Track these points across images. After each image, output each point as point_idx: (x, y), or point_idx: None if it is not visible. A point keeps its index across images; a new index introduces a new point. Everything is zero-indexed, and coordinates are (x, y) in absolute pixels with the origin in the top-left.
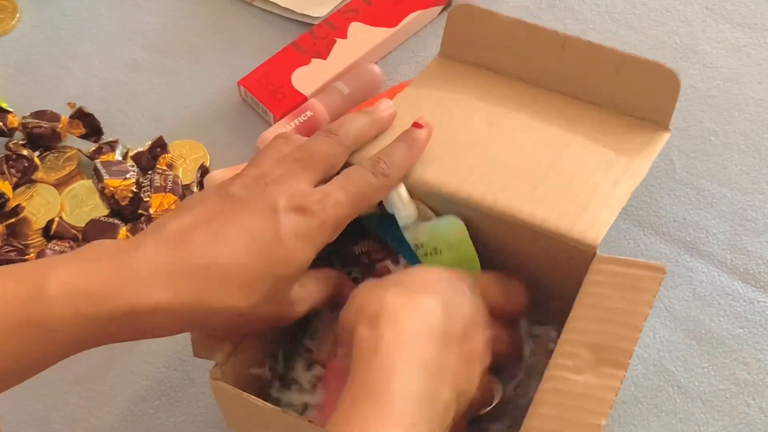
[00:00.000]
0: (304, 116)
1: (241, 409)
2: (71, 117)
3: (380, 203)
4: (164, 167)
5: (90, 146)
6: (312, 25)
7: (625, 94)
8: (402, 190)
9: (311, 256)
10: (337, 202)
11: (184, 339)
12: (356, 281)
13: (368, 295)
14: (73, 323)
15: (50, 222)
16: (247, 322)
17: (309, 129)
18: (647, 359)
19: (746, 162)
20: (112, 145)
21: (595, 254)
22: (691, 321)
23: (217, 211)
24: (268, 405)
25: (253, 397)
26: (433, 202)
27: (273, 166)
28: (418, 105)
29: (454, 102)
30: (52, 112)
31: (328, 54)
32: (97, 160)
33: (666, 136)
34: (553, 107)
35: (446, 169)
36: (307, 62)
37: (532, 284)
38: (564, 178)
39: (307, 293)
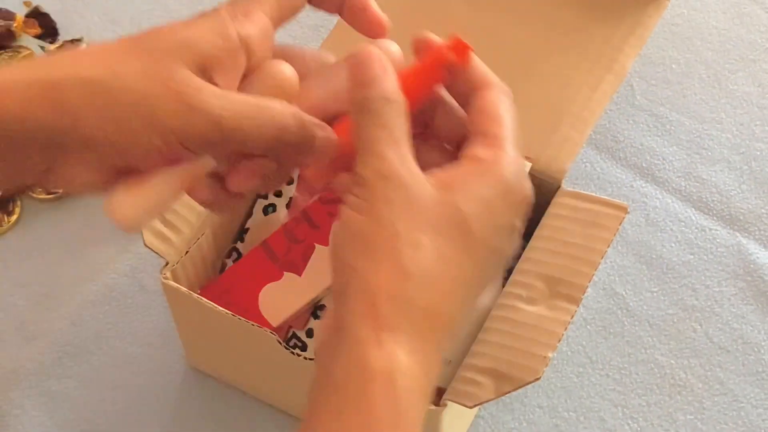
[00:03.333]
0: None
1: (192, 312)
2: (27, 16)
3: None
4: None
5: (47, 47)
6: None
7: None
8: None
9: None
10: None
11: (137, 247)
12: None
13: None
14: None
15: None
16: (124, 129)
17: None
18: (597, 282)
19: (706, 91)
20: (76, 45)
21: (559, 187)
22: (643, 246)
23: None
24: (219, 307)
25: (204, 298)
26: None
27: None
28: None
29: None
30: (7, 10)
31: (304, 267)
32: None
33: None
34: None
35: None
36: (278, 276)
37: None
38: (538, 88)
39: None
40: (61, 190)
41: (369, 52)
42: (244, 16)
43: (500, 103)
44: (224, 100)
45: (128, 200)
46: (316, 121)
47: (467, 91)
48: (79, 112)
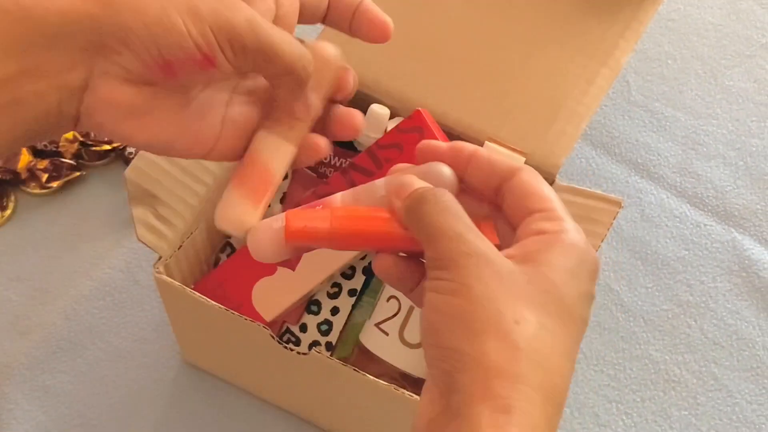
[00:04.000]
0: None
1: (185, 307)
2: None
3: None
4: None
5: None
6: None
7: None
8: None
9: None
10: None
11: (131, 242)
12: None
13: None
14: None
15: None
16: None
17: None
18: None
19: (702, 87)
20: None
21: (554, 181)
22: (638, 242)
23: None
24: (212, 302)
25: (197, 293)
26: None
27: None
28: None
29: None
30: None
31: (297, 263)
32: None
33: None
34: None
35: (411, 75)
36: (271, 271)
37: None
38: (533, 82)
39: None
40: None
41: (403, 176)
42: None
43: (538, 181)
44: (256, 14)
45: (249, 212)
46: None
47: (498, 182)
48: (124, 7)
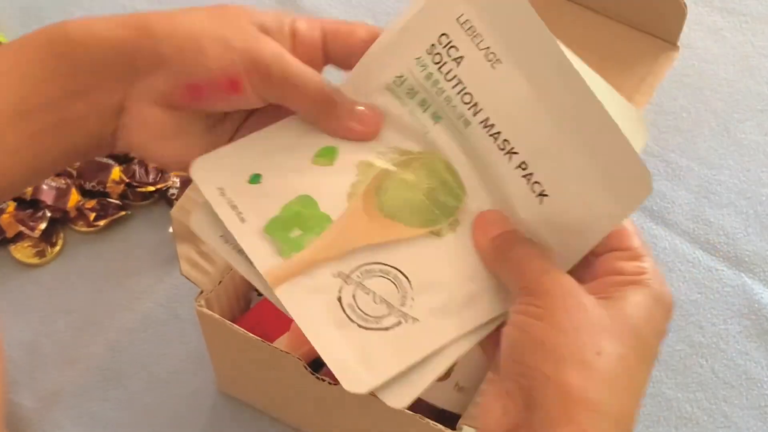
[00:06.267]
0: None
1: (225, 340)
2: None
3: None
4: None
5: None
6: None
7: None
8: None
9: None
10: None
11: (172, 278)
12: None
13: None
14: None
15: None
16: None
17: None
18: None
19: (715, 139)
20: None
21: None
22: None
23: None
24: (250, 334)
25: (237, 326)
26: None
27: None
28: None
29: None
30: None
31: None
32: None
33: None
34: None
35: None
36: None
37: None
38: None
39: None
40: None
41: (491, 211)
42: (301, 17)
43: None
44: (283, 49)
45: None
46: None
47: None
48: (160, 35)
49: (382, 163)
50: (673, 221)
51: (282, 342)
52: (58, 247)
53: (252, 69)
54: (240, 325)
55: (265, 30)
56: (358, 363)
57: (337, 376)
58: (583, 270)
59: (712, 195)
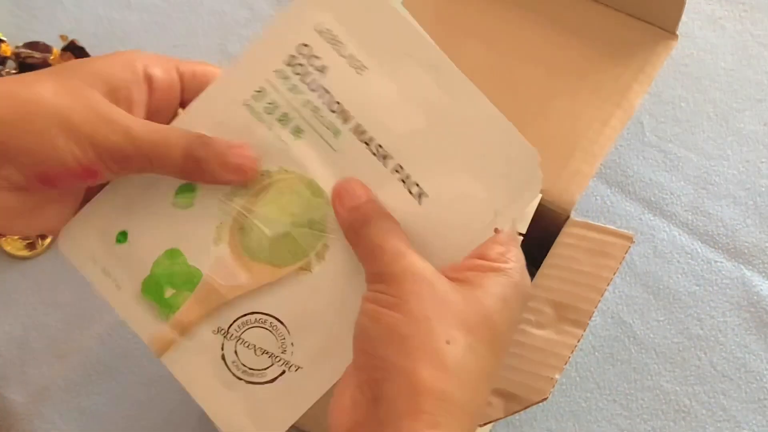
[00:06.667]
0: None
1: None
2: (63, 49)
3: None
4: None
5: None
6: None
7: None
8: None
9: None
10: None
11: None
12: None
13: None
14: None
15: None
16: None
17: None
18: (606, 311)
19: (713, 129)
20: None
21: (568, 217)
22: (650, 277)
23: None
24: None
25: None
26: None
27: None
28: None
29: (454, 18)
30: (44, 43)
31: None
32: None
33: (672, 45)
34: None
35: None
36: None
37: None
38: (550, 123)
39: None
40: None
41: (350, 180)
42: (155, 59)
43: None
44: (133, 118)
45: None
46: (224, 140)
47: None
48: (4, 125)
49: (240, 195)
50: (671, 212)
51: None
52: (48, 240)
53: (106, 156)
54: None
55: (114, 90)
56: (251, 423)
57: None
58: None
59: (710, 186)
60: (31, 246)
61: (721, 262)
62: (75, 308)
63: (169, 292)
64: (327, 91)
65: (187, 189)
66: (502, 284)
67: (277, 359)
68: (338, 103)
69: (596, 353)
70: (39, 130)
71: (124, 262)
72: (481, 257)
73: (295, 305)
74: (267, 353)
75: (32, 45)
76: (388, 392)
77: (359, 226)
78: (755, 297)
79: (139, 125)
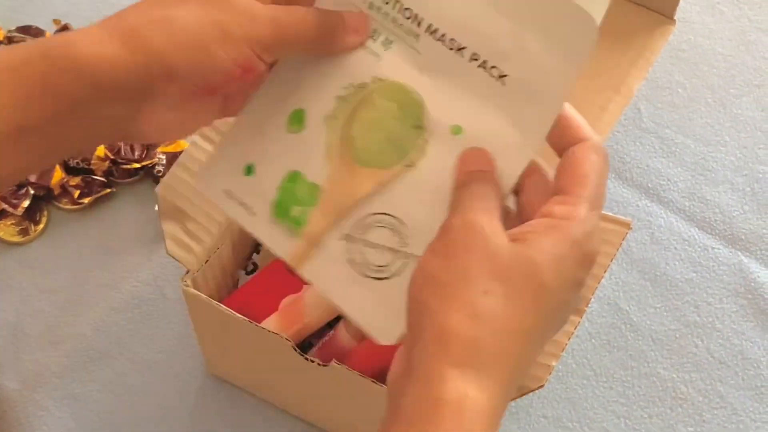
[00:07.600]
0: None
1: (212, 320)
2: (56, 33)
3: None
4: None
5: None
6: None
7: None
8: None
9: None
10: None
11: (159, 257)
12: None
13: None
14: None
15: None
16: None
17: None
18: (602, 298)
19: (711, 115)
20: None
21: None
22: (647, 263)
23: None
24: (237, 314)
25: (224, 306)
26: None
27: None
28: None
29: None
30: (37, 27)
31: None
32: None
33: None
34: None
35: None
36: (298, 288)
37: None
38: None
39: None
40: (88, 197)
41: (480, 149)
42: None
43: (587, 161)
44: (268, 7)
45: None
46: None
47: (563, 145)
48: (163, 49)
49: (343, 111)
50: (669, 199)
51: (270, 322)
52: (41, 225)
53: (260, 49)
54: (228, 305)
55: None
56: (388, 315)
57: (368, 334)
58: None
59: (708, 172)
60: (24, 232)
61: (718, 249)
62: (69, 294)
63: (296, 210)
64: (398, 1)
65: (296, 116)
66: (558, 241)
67: (398, 253)
68: (409, 9)
69: (593, 340)
70: (197, 49)
71: (255, 191)
72: (547, 215)
73: (407, 200)
74: (389, 249)
75: (25, 29)
76: (422, 335)
77: (458, 186)
78: (752, 284)
79: (279, 12)
